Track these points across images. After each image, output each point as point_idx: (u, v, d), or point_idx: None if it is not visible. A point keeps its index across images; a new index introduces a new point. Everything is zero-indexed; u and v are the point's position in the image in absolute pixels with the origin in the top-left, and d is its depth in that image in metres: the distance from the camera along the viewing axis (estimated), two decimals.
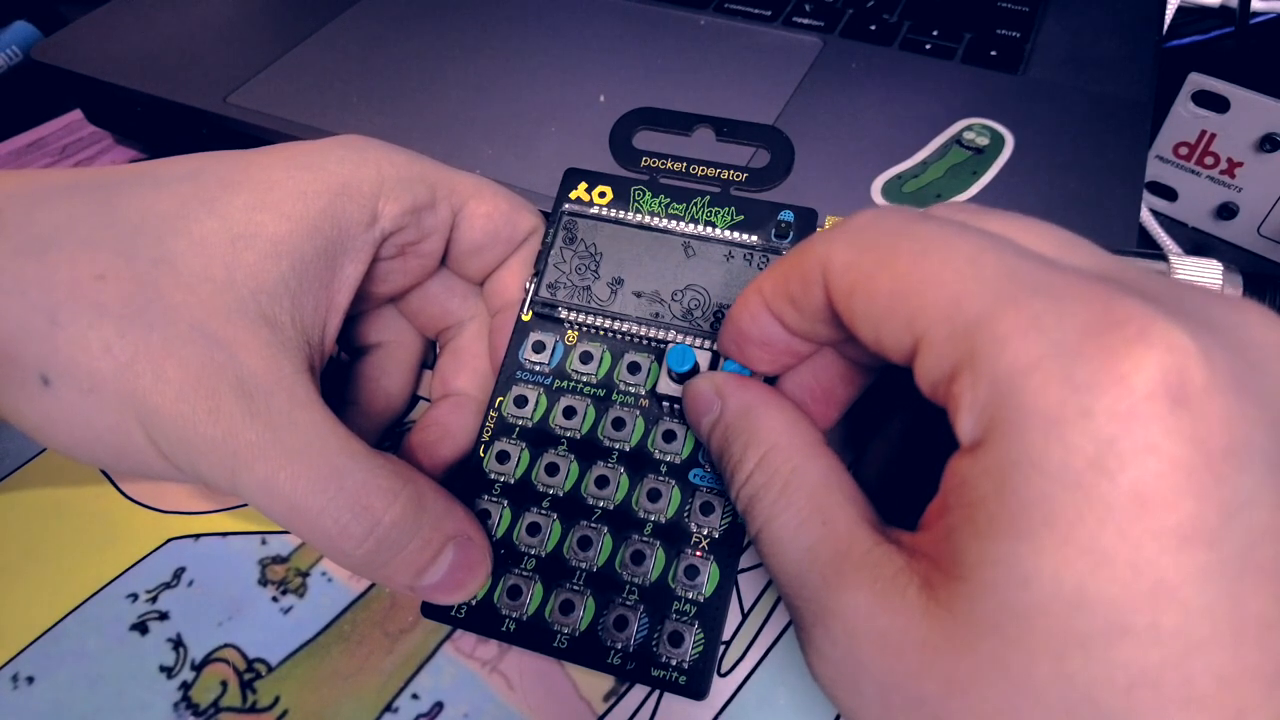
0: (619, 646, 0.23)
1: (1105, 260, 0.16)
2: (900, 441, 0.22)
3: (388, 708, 0.24)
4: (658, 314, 0.26)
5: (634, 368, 0.25)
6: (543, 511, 0.24)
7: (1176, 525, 0.12)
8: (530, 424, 0.25)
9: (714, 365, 0.24)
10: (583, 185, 0.27)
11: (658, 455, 0.24)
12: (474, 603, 0.24)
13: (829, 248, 0.17)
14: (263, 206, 0.22)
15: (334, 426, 0.21)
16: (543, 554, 0.24)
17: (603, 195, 0.27)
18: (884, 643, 0.15)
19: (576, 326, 0.26)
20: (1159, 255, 0.26)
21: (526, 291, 0.27)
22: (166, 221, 0.21)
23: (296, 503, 0.20)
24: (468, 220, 0.26)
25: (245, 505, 0.28)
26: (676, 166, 0.27)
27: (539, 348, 0.26)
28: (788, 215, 0.26)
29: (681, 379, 0.24)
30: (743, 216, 0.26)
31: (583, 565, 0.24)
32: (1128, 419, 0.13)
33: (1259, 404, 0.13)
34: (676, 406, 0.25)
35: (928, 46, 0.38)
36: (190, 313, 0.20)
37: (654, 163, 0.27)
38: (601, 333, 0.26)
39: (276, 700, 0.24)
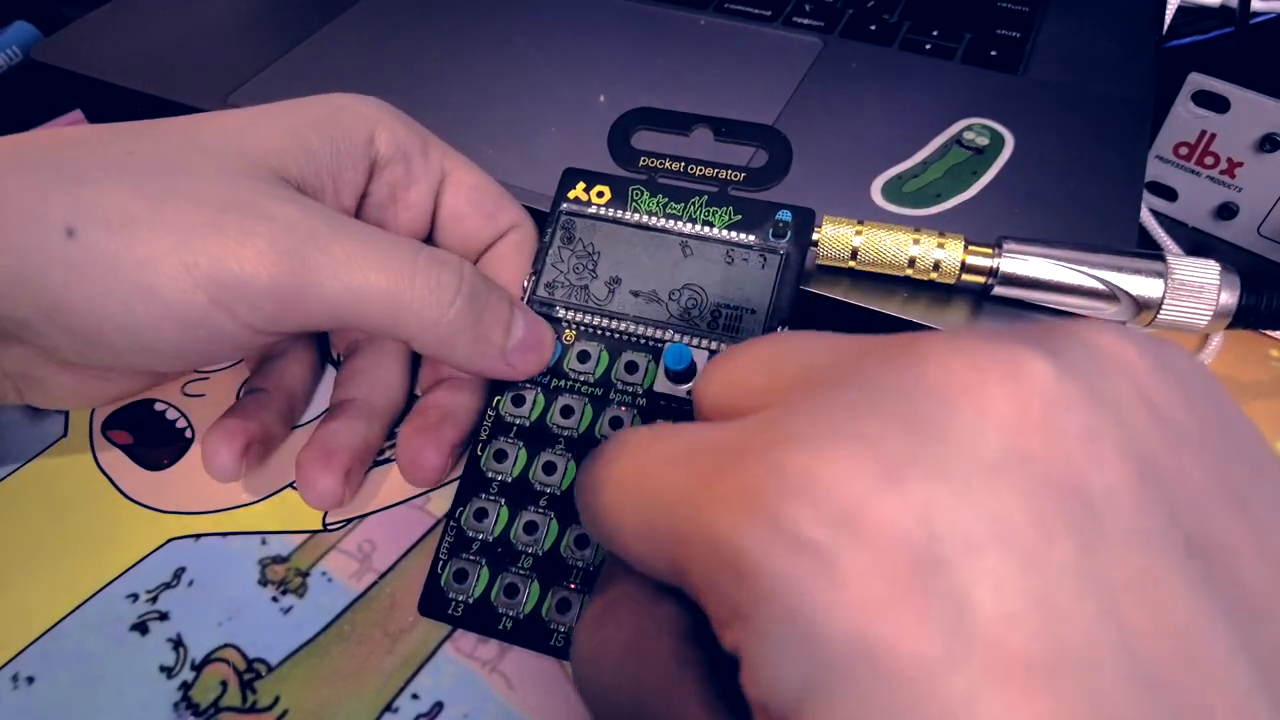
0: None
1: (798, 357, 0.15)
2: None
3: (388, 708, 0.24)
4: (655, 313, 0.26)
5: (631, 367, 0.25)
6: (540, 510, 0.24)
7: (912, 663, 0.10)
8: (528, 423, 0.25)
9: None
10: (581, 185, 0.27)
11: None
12: (471, 601, 0.24)
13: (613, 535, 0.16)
14: (272, 110, 0.25)
15: (365, 224, 0.23)
16: (540, 553, 0.24)
17: (601, 195, 0.27)
18: None
19: (574, 326, 0.26)
20: (1157, 255, 0.26)
21: (524, 290, 0.27)
22: (186, 123, 0.23)
23: (389, 265, 0.21)
24: (454, 186, 0.27)
25: (244, 505, 0.28)
26: (675, 166, 0.27)
27: None
28: (785, 215, 0.26)
29: (679, 378, 0.24)
30: (741, 216, 0.26)
31: (579, 564, 0.24)
32: (779, 593, 0.11)
33: (958, 461, 0.11)
34: (674, 405, 0.25)
35: (928, 46, 0.38)
36: (212, 163, 0.22)
37: (652, 162, 0.27)
38: (599, 332, 0.26)
39: (276, 700, 0.24)
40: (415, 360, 0.30)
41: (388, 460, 0.29)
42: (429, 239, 0.29)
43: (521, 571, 0.24)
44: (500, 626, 0.24)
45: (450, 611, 0.24)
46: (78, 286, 0.20)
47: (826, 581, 0.11)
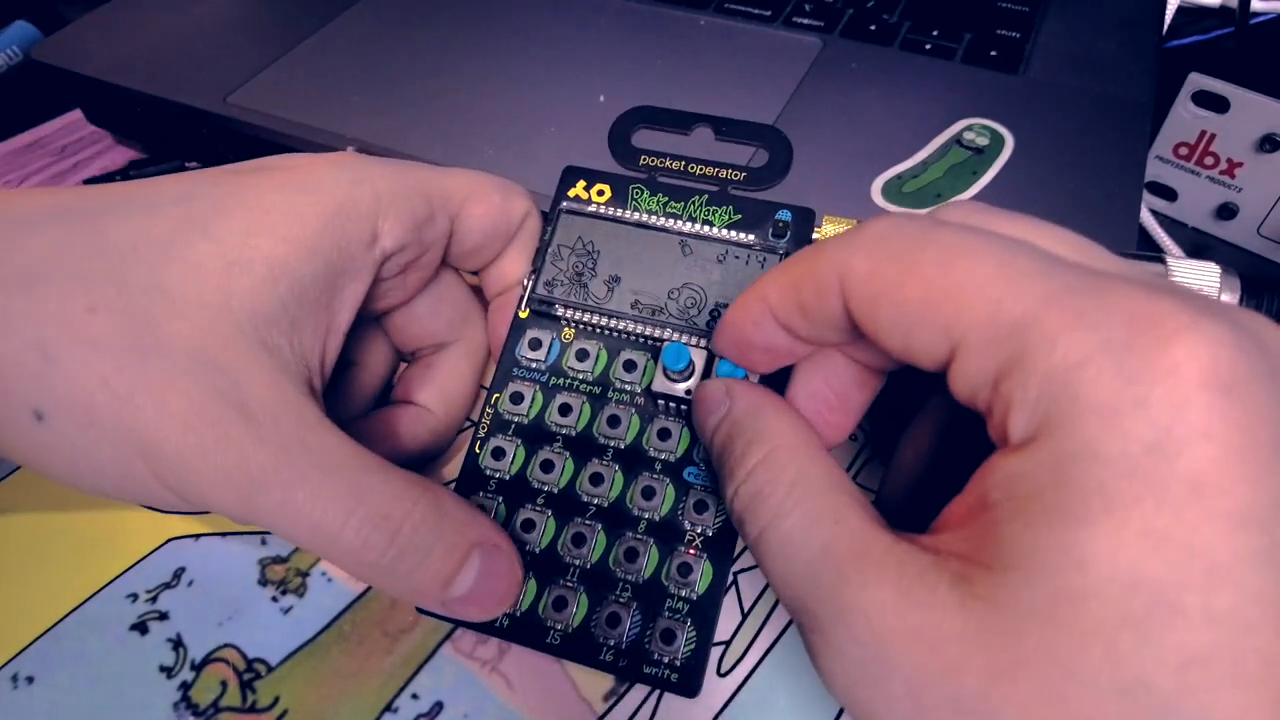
0: (611, 643, 0.23)
1: (1122, 264, 0.17)
2: (909, 449, 0.22)
3: (388, 708, 0.24)
4: (654, 312, 0.26)
5: (630, 365, 0.25)
6: (537, 508, 0.24)
7: (1231, 509, 0.13)
8: (526, 421, 0.25)
9: (709, 364, 0.24)
10: (581, 183, 0.27)
11: (652, 453, 0.24)
12: None
13: (847, 256, 0.17)
14: (258, 230, 0.21)
15: (345, 443, 0.21)
16: (537, 550, 0.24)
17: (601, 193, 0.27)
18: (915, 639, 0.15)
19: (573, 324, 0.26)
20: (1157, 257, 0.26)
21: (524, 289, 0.27)
22: (158, 248, 0.21)
23: (317, 521, 0.20)
24: (465, 224, 0.26)
25: None
26: (675, 165, 0.27)
27: (535, 345, 0.26)
28: (785, 215, 0.26)
29: (677, 377, 0.24)
30: (740, 215, 0.26)
31: (576, 562, 0.24)
32: (1182, 406, 0.13)
33: None
34: (672, 404, 0.25)
35: (928, 46, 0.38)
36: (187, 340, 0.20)
37: (652, 161, 0.27)
38: (598, 330, 0.26)
39: (276, 700, 0.24)
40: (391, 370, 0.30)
41: None
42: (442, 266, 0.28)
43: None
44: (497, 624, 0.24)
45: None
46: (50, 463, 0.20)
47: (1208, 416, 0.13)
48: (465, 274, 0.29)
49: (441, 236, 0.25)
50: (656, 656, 0.23)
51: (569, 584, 0.24)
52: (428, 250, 0.25)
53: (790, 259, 0.19)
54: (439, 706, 0.24)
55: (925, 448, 0.22)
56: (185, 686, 0.24)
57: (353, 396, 0.28)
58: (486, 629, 0.24)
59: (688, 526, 0.24)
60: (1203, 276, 0.25)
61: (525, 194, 0.27)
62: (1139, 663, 0.13)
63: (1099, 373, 0.13)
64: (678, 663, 0.22)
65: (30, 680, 0.24)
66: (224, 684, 0.24)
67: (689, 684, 0.22)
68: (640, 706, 0.24)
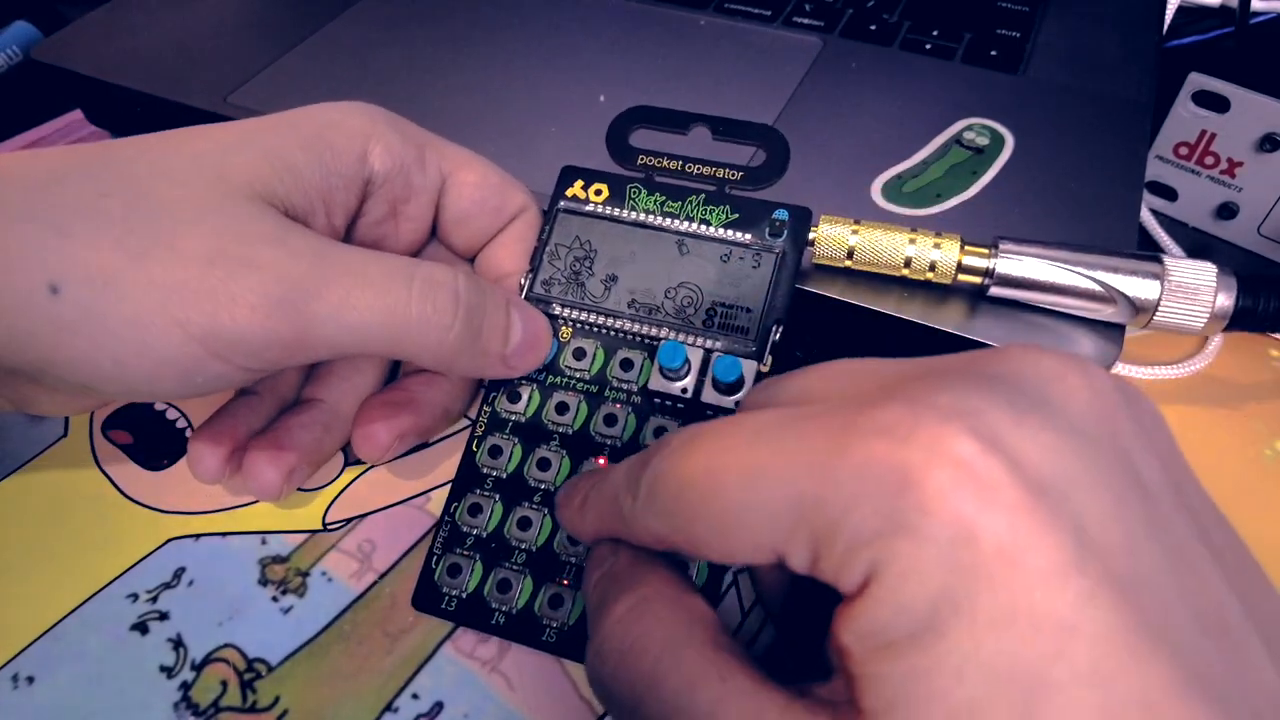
0: None
1: (880, 373, 0.17)
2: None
3: (388, 708, 0.24)
4: (651, 311, 0.26)
5: (627, 364, 0.25)
6: (534, 506, 0.24)
7: (1045, 566, 0.13)
8: (523, 419, 0.25)
9: (705, 363, 0.24)
10: (579, 183, 0.27)
11: None
12: (464, 595, 0.24)
13: (647, 529, 0.17)
14: (256, 129, 0.23)
15: (365, 250, 0.22)
16: (533, 548, 0.24)
17: (599, 193, 0.27)
18: None
19: (570, 323, 0.26)
20: (1154, 257, 0.26)
21: (521, 288, 0.27)
22: (163, 147, 0.22)
23: (385, 303, 0.21)
24: (456, 188, 0.27)
25: (245, 505, 0.28)
26: (672, 165, 0.27)
27: None
28: (782, 214, 0.26)
29: (673, 375, 0.24)
30: (738, 215, 0.26)
31: (572, 560, 0.24)
32: (948, 502, 0.13)
33: (1053, 428, 0.14)
34: (668, 403, 0.25)
35: (928, 46, 0.38)
36: (190, 202, 0.21)
37: (650, 161, 0.27)
38: (595, 329, 0.26)
39: (276, 700, 0.24)
40: (393, 367, 0.30)
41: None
42: (433, 240, 0.28)
43: (515, 567, 0.24)
44: (493, 621, 0.24)
45: (444, 606, 0.24)
46: (67, 343, 0.20)
47: (982, 492, 0.13)
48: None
49: (431, 187, 0.26)
50: None
51: (565, 582, 0.24)
52: (415, 196, 0.26)
53: (599, 506, 0.19)
54: (439, 706, 0.24)
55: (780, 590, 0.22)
56: (185, 686, 0.24)
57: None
58: (484, 627, 0.24)
59: None
60: (1200, 276, 0.25)
61: (526, 190, 0.28)
62: None
63: (875, 506, 0.14)
64: None
65: (30, 680, 0.24)
66: (224, 684, 0.24)
67: None
68: None
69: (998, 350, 0.16)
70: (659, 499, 0.17)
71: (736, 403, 0.24)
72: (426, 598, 0.24)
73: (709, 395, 0.24)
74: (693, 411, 0.25)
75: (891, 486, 0.13)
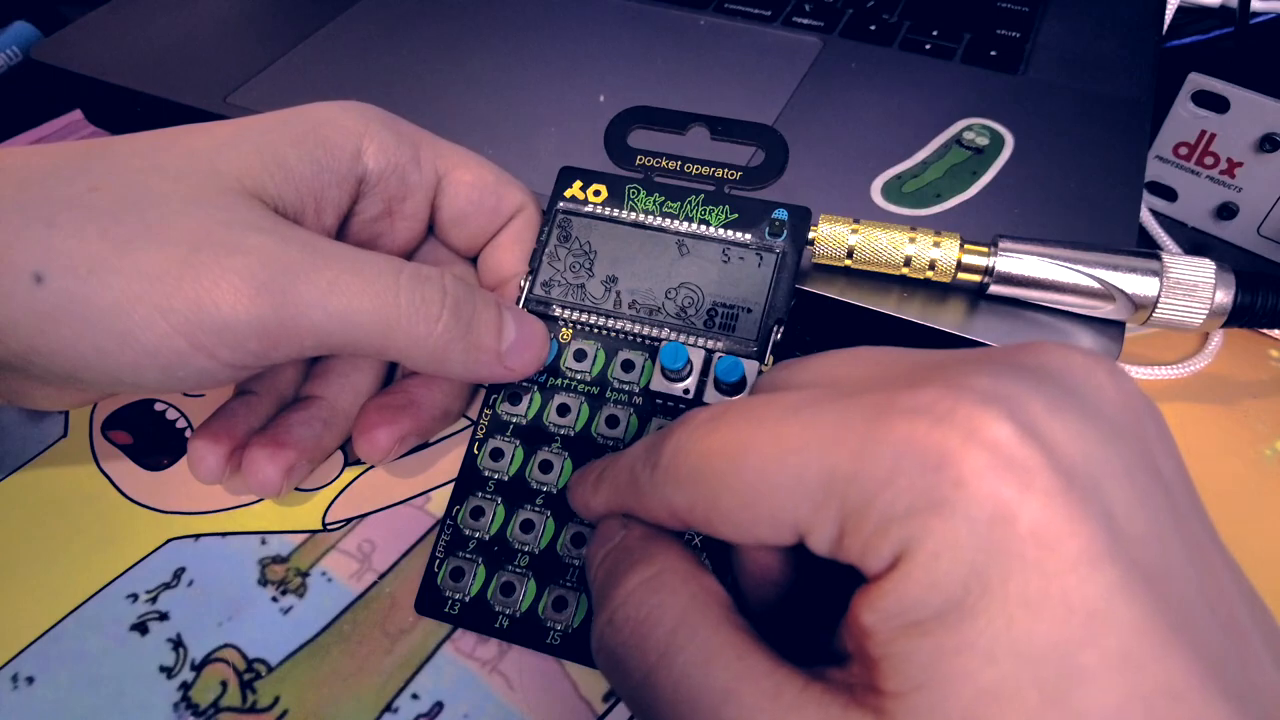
0: None
1: (906, 361, 0.17)
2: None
3: (388, 708, 0.24)
4: (652, 312, 0.26)
5: (628, 365, 0.25)
6: (536, 509, 0.24)
7: (1079, 551, 0.13)
8: (524, 421, 0.25)
9: (706, 363, 0.24)
10: (577, 183, 0.27)
11: None
12: (467, 599, 0.24)
13: (667, 496, 0.17)
14: (249, 126, 0.23)
15: (344, 245, 0.22)
16: (536, 551, 0.24)
17: (597, 193, 0.27)
18: None
19: (571, 324, 0.26)
20: (1153, 254, 0.26)
21: (521, 289, 0.27)
22: (156, 144, 0.22)
23: (371, 290, 0.21)
24: (452, 187, 0.26)
25: (244, 505, 0.28)
26: (671, 165, 0.27)
27: None
28: (782, 214, 0.26)
29: (675, 376, 0.24)
30: (737, 215, 0.26)
31: (576, 562, 0.24)
32: (993, 475, 0.13)
33: (1085, 419, 0.14)
34: (670, 404, 0.25)
35: (927, 46, 0.38)
36: (180, 194, 0.21)
37: (649, 161, 0.27)
38: (596, 331, 0.26)
39: (276, 700, 0.24)
40: (391, 367, 0.30)
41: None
42: (430, 239, 0.28)
43: (518, 570, 0.24)
44: (497, 624, 0.24)
45: (447, 610, 0.24)
46: (51, 332, 0.20)
47: (1019, 476, 0.13)
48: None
49: (426, 185, 0.26)
50: None
51: (569, 584, 0.24)
52: (411, 195, 0.26)
53: (615, 480, 0.19)
54: (439, 706, 0.24)
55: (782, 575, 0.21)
56: (185, 687, 0.24)
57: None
58: (488, 630, 0.24)
59: None
60: (1198, 272, 0.25)
61: (524, 189, 0.28)
62: None
63: (910, 479, 0.14)
64: None
65: (30, 680, 0.24)
66: (224, 684, 0.24)
67: None
68: None
69: (1029, 344, 0.16)
70: (680, 470, 0.17)
71: None
72: (429, 602, 0.24)
73: (711, 396, 0.24)
74: None
75: (929, 464, 0.13)
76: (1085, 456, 0.14)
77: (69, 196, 0.20)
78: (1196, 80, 0.36)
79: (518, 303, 0.27)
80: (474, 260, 0.29)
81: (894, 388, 0.15)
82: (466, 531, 0.25)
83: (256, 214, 0.21)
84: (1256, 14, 0.40)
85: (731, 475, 0.16)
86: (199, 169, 0.21)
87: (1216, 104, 0.36)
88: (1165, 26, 0.40)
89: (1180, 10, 0.42)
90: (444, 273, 0.23)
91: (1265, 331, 0.34)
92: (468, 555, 0.24)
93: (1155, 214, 0.38)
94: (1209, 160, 0.37)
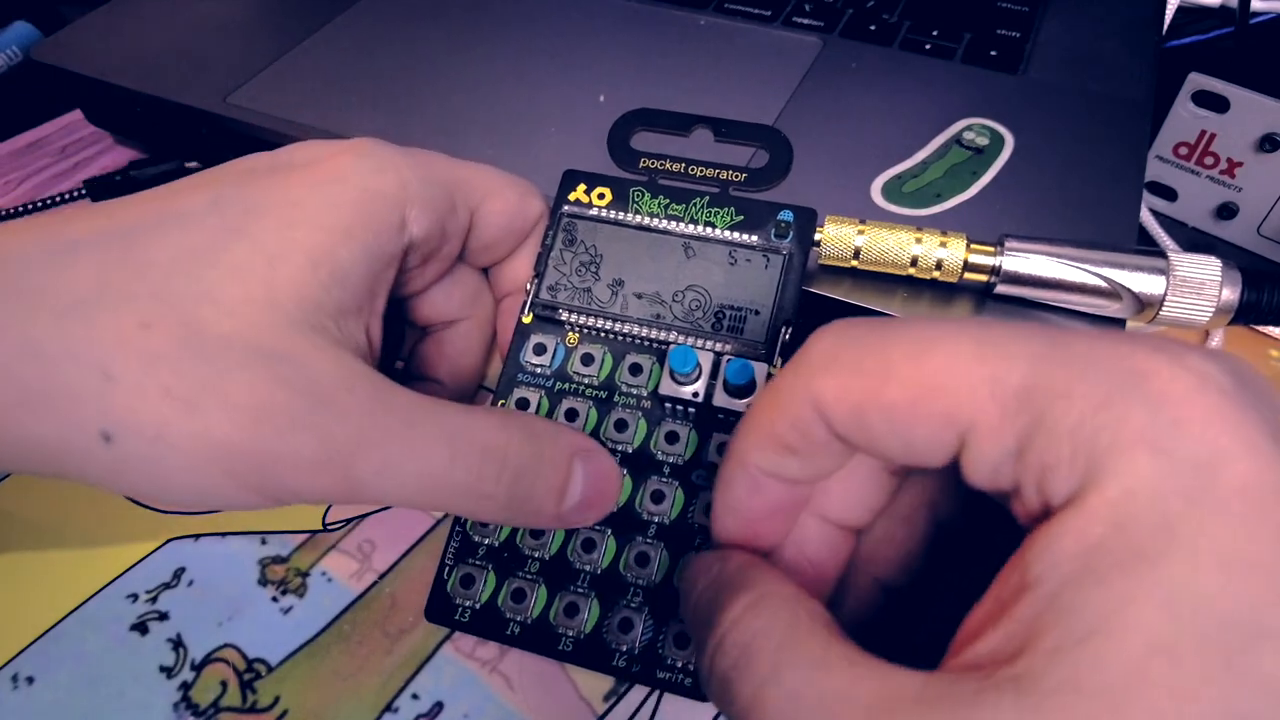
0: (624, 649, 0.23)
1: (1050, 328, 0.17)
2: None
3: (388, 708, 0.24)
4: (659, 315, 0.26)
5: (636, 369, 0.25)
6: None
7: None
8: None
9: (715, 365, 0.24)
10: (581, 187, 0.27)
11: (660, 456, 0.24)
12: (478, 606, 0.24)
13: (810, 381, 0.16)
14: (293, 223, 0.21)
15: (421, 398, 0.21)
16: (547, 557, 0.24)
17: (602, 197, 0.27)
18: None
19: (577, 328, 0.26)
20: (1159, 252, 0.26)
21: (527, 293, 0.27)
22: (199, 257, 0.21)
23: (424, 469, 0.20)
24: (484, 219, 0.26)
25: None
26: (675, 167, 0.27)
27: (540, 350, 0.26)
28: (787, 215, 0.26)
29: (684, 380, 0.24)
30: (742, 217, 0.26)
31: (587, 568, 0.24)
32: (1211, 422, 0.13)
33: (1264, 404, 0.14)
34: (679, 408, 0.25)
35: (928, 46, 0.38)
36: (240, 337, 0.20)
37: (652, 163, 0.27)
38: (603, 334, 0.26)
39: (276, 700, 0.24)
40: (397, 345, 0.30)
41: None
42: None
43: (528, 576, 0.24)
44: (508, 631, 0.23)
45: (457, 617, 0.24)
46: (121, 481, 0.20)
47: (1235, 428, 0.13)
48: None
49: (462, 229, 0.25)
50: (670, 661, 0.22)
51: (580, 590, 0.23)
52: (449, 241, 0.25)
53: (752, 411, 0.18)
54: (439, 706, 0.24)
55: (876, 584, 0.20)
56: (185, 687, 0.24)
57: (467, 348, 0.28)
58: (499, 637, 0.24)
59: (698, 529, 0.24)
60: (1204, 270, 0.25)
61: (540, 195, 0.27)
62: (1243, 694, 0.12)
63: (1126, 410, 0.13)
64: (691, 666, 0.22)
65: (30, 680, 0.24)
66: (224, 684, 0.24)
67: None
68: (640, 707, 0.24)
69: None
70: (842, 354, 0.16)
71: (749, 405, 0.24)
72: (439, 609, 0.24)
73: (720, 399, 0.24)
74: (704, 415, 0.24)
75: (1152, 398, 0.13)
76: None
77: (119, 336, 0.19)
78: (1196, 80, 0.36)
79: (523, 307, 0.27)
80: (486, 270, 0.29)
81: (1097, 337, 0.14)
82: (476, 538, 0.24)
83: (316, 363, 0.20)
84: (1256, 14, 0.40)
85: (908, 364, 0.15)
86: (255, 296, 0.20)
87: (1216, 104, 0.36)
88: (1165, 26, 0.40)
89: (1180, 10, 0.42)
90: (510, 438, 0.21)
91: (1265, 331, 0.34)
92: (477, 562, 0.24)
93: (1155, 214, 0.38)
94: (1209, 160, 0.37)
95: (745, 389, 0.24)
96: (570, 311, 0.26)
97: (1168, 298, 0.25)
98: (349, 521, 0.28)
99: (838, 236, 0.26)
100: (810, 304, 0.28)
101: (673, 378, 0.24)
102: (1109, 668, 0.12)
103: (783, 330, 0.25)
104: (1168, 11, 0.40)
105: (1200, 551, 0.12)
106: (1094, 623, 0.12)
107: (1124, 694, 0.12)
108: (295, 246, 0.21)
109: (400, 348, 0.30)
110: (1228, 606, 0.12)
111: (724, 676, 0.16)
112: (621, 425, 0.25)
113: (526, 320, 0.26)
